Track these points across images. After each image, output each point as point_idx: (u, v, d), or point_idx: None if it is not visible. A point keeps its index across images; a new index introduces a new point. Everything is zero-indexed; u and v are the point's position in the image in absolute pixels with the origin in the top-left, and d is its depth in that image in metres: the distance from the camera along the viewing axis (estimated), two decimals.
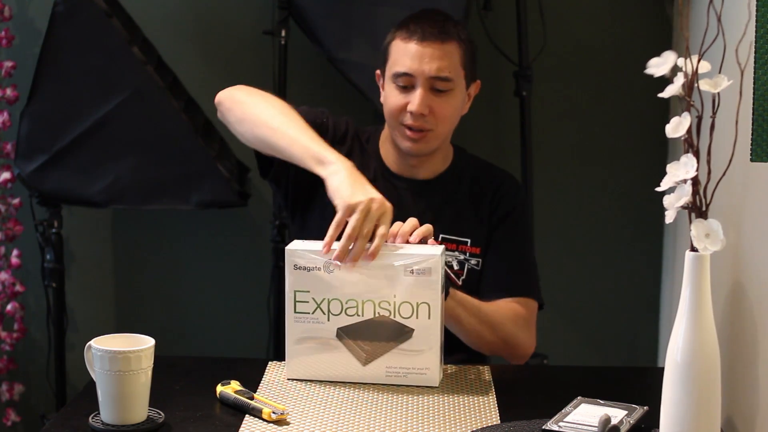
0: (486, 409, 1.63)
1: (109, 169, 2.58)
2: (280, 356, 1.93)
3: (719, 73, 1.34)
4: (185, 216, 2.85)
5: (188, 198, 2.61)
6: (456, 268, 2.00)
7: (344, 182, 1.73)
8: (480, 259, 2.01)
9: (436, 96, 1.94)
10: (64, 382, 2.75)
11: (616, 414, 1.50)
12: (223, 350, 2.87)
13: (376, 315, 1.68)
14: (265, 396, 1.63)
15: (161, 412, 1.54)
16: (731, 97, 1.38)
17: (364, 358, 1.70)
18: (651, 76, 1.38)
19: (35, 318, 2.85)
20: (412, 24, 1.94)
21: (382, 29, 2.56)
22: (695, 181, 1.32)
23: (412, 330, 1.68)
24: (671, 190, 1.35)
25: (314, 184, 1.89)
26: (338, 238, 1.69)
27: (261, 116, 1.93)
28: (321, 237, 1.71)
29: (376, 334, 1.69)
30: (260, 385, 1.71)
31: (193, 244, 2.89)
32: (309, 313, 1.70)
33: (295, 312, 1.70)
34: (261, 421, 1.54)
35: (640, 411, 1.53)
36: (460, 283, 1.99)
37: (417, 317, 1.68)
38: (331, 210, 1.74)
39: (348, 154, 1.85)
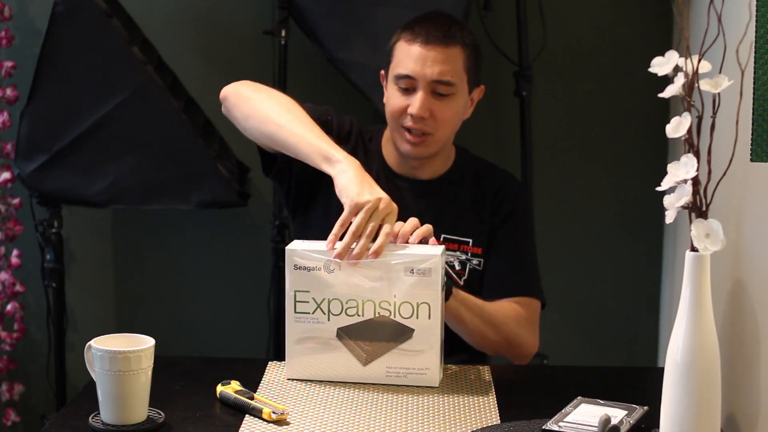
0: (486, 409, 1.63)
1: (109, 169, 2.58)
2: (280, 356, 1.92)
3: (720, 73, 1.34)
4: (185, 216, 2.85)
5: (188, 198, 2.61)
6: (458, 268, 2.00)
7: (352, 181, 1.73)
8: (482, 260, 2.01)
9: (437, 100, 1.93)
10: (64, 382, 2.75)
11: (616, 414, 1.50)
12: (223, 350, 2.87)
13: (377, 315, 1.68)
14: (265, 396, 1.63)
15: (161, 412, 1.54)
16: (731, 97, 1.38)
17: (364, 358, 1.70)
18: (651, 76, 1.38)
19: (35, 318, 2.85)
20: (417, 26, 1.94)
21: (382, 29, 2.57)
22: (695, 181, 1.32)
23: (412, 330, 1.68)
24: (671, 190, 1.35)
25: (317, 182, 1.89)
26: (342, 237, 1.70)
27: (267, 113, 1.92)
28: (323, 236, 1.71)
29: (377, 334, 1.69)
30: (260, 385, 1.71)
31: (193, 244, 2.89)
32: (309, 313, 1.70)
33: (295, 312, 1.70)
34: (261, 421, 1.54)
35: (640, 411, 1.53)
36: (461, 283, 1.99)
37: (417, 317, 1.68)
38: (335, 209, 1.74)
39: (351, 153, 1.85)
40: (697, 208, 1.33)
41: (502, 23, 2.74)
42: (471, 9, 2.63)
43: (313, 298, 1.69)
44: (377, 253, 1.67)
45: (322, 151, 1.81)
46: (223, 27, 2.80)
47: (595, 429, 1.43)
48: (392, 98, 1.96)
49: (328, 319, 1.70)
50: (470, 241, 2.01)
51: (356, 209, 1.69)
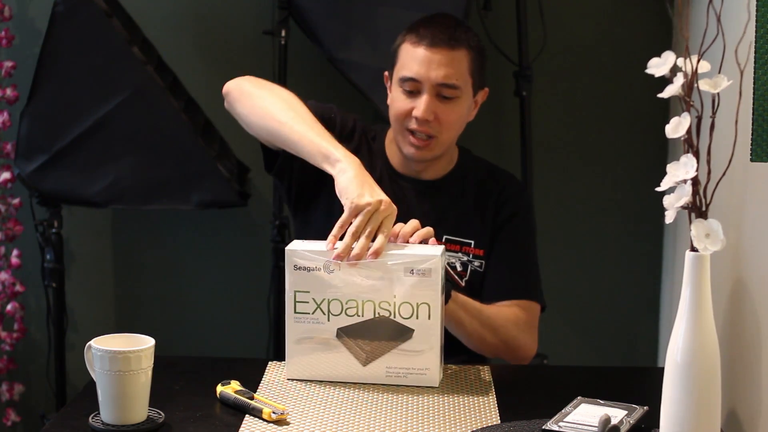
0: (486, 409, 1.63)
1: (109, 169, 2.58)
2: (280, 356, 1.93)
3: (719, 73, 1.34)
4: (185, 216, 2.85)
5: (188, 198, 2.61)
6: (459, 269, 2.00)
7: (353, 182, 1.73)
8: (483, 261, 2.01)
9: (442, 103, 1.93)
10: (64, 382, 2.75)
11: (616, 414, 1.50)
12: (223, 350, 2.87)
13: (376, 315, 1.68)
14: (265, 396, 1.63)
15: (161, 412, 1.54)
16: (731, 97, 1.38)
17: (364, 358, 1.70)
18: (651, 76, 1.38)
19: (35, 318, 2.85)
20: (423, 28, 1.93)
21: (382, 29, 2.57)
22: (695, 181, 1.32)
23: (412, 330, 1.68)
24: (671, 190, 1.35)
25: (319, 180, 1.89)
26: (341, 238, 1.70)
27: (269, 109, 1.91)
28: (325, 234, 1.71)
29: (376, 335, 1.69)
30: (260, 385, 1.71)
31: (193, 244, 2.89)
32: (309, 313, 1.70)
33: (295, 312, 1.70)
34: (261, 421, 1.54)
35: (640, 411, 1.53)
36: (463, 284, 1.99)
37: (417, 317, 1.68)
38: (337, 207, 1.74)
39: (355, 152, 1.85)
40: (697, 208, 1.33)
41: (502, 23, 2.74)
42: (471, 9, 2.63)
43: (313, 299, 1.69)
44: (377, 254, 1.67)
45: (323, 150, 1.81)
46: (223, 27, 2.80)
47: (595, 429, 1.43)
48: (397, 100, 1.96)
49: (328, 320, 1.70)
50: (472, 242, 2.01)
51: (356, 211, 1.69)
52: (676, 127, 1.33)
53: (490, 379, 1.77)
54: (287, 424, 1.54)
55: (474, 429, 1.54)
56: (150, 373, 1.52)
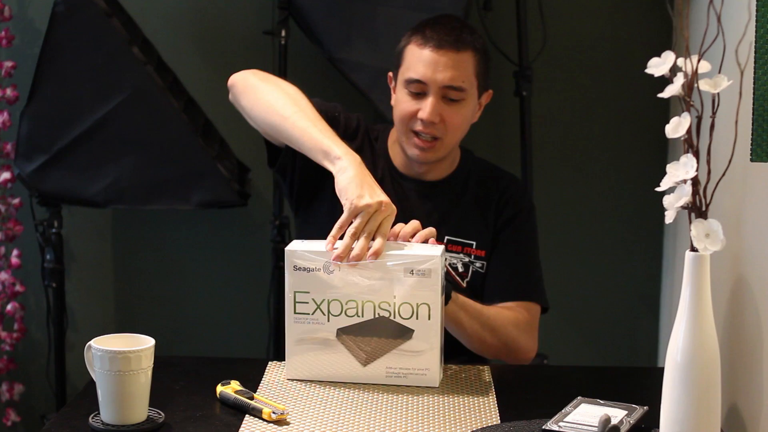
0: (486, 409, 1.63)
1: (109, 169, 2.58)
2: (280, 356, 1.92)
3: (719, 73, 1.34)
4: (185, 216, 2.85)
5: (188, 198, 2.61)
6: (461, 270, 2.00)
7: (352, 182, 1.72)
8: (485, 262, 2.01)
9: (448, 105, 1.93)
10: (64, 382, 2.75)
11: (616, 414, 1.50)
12: (223, 350, 2.87)
13: (376, 316, 1.68)
14: (265, 396, 1.63)
15: (161, 412, 1.54)
16: (731, 97, 1.38)
17: (364, 358, 1.70)
18: (651, 76, 1.38)
19: (35, 318, 2.85)
20: (428, 30, 1.93)
21: (382, 29, 2.57)
22: (695, 181, 1.32)
23: (412, 331, 1.68)
24: (671, 190, 1.35)
25: (321, 177, 1.88)
26: (341, 238, 1.70)
27: (273, 103, 1.91)
28: (326, 232, 1.71)
29: (376, 335, 1.69)
30: (260, 385, 1.71)
31: (193, 244, 2.89)
32: (309, 313, 1.70)
33: (294, 312, 1.70)
34: (261, 421, 1.54)
35: (640, 411, 1.53)
36: (464, 285, 1.99)
37: (417, 318, 1.68)
38: (339, 205, 1.73)
39: (357, 151, 1.84)
40: (697, 208, 1.33)
41: (502, 23, 2.74)
42: (471, 9, 2.63)
43: (313, 299, 1.69)
44: (376, 254, 1.67)
45: (323, 147, 1.80)
46: (223, 27, 2.80)
47: (595, 429, 1.43)
48: (402, 102, 1.96)
49: (328, 320, 1.70)
50: (474, 243, 2.01)
51: (355, 212, 1.69)
52: (676, 127, 1.33)
53: (490, 379, 1.77)
54: (287, 424, 1.54)
55: (474, 429, 1.54)
56: (150, 373, 1.52)
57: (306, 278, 1.69)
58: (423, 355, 1.69)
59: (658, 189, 1.36)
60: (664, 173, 1.34)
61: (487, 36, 2.69)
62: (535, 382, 1.85)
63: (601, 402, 1.57)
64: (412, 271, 1.67)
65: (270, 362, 1.82)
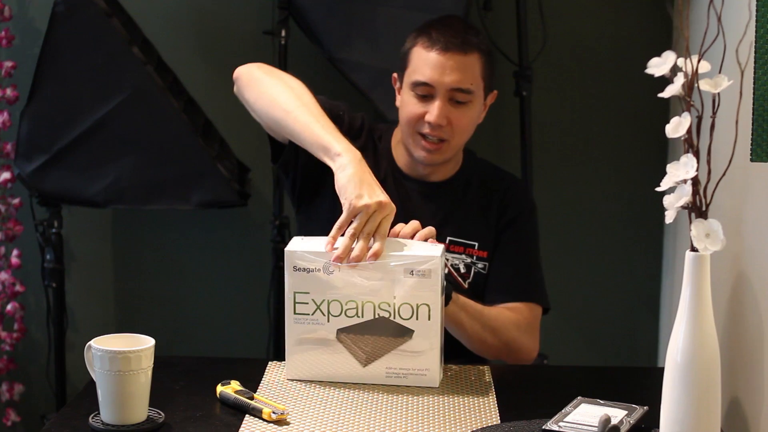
0: (486, 409, 1.63)
1: (109, 169, 2.58)
2: (280, 356, 1.92)
3: (719, 73, 1.34)
4: (185, 216, 2.85)
5: (188, 198, 2.61)
6: (463, 271, 2.00)
7: (351, 181, 1.71)
8: (487, 263, 2.01)
9: (455, 107, 1.93)
10: (64, 382, 2.75)
11: (616, 414, 1.50)
12: (223, 350, 2.87)
13: (376, 316, 1.68)
14: (265, 396, 1.63)
15: (161, 412, 1.54)
16: (731, 97, 1.38)
17: (364, 359, 1.70)
18: (651, 76, 1.38)
19: (35, 318, 2.85)
20: (434, 32, 1.92)
21: (382, 29, 2.57)
22: (695, 181, 1.32)
23: (412, 331, 1.68)
24: (671, 190, 1.35)
25: (323, 174, 1.87)
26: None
27: (276, 97, 1.90)
28: (328, 229, 1.70)
29: (376, 335, 1.69)
30: (260, 385, 1.71)
31: (193, 244, 2.89)
32: (309, 314, 1.70)
33: (294, 313, 1.70)
34: (261, 421, 1.54)
35: (640, 411, 1.53)
36: (466, 286, 1.99)
37: (417, 318, 1.68)
38: (340, 202, 1.73)
39: (361, 150, 1.83)
40: (697, 208, 1.33)
41: (502, 23, 2.74)
42: (471, 9, 2.63)
43: (313, 300, 1.69)
44: (376, 255, 1.67)
45: (323, 142, 1.79)
46: (223, 27, 2.80)
47: (595, 429, 1.43)
48: (408, 104, 1.95)
49: (328, 320, 1.69)
50: (476, 244, 2.00)
51: (354, 212, 1.69)
52: (676, 127, 1.33)
53: (490, 379, 1.77)
54: (287, 424, 1.54)
55: (474, 429, 1.54)
56: (150, 373, 1.52)
57: (306, 279, 1.69)
58: (423, 356, 1.69)
59: (658, 189, 1.36)
60: (664, 173, 1.34)
61: (487, 36, 2.69)
62: (535, 382, 1.85)
63: (601, 402, 1.57)
64: (412, 271, 1.67)
65: (270, 362, 1.82)
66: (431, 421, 1.57)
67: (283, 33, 2.64)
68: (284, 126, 1.88)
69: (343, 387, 1.70)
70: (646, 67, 1.37)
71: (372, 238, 1.68)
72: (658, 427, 1.39)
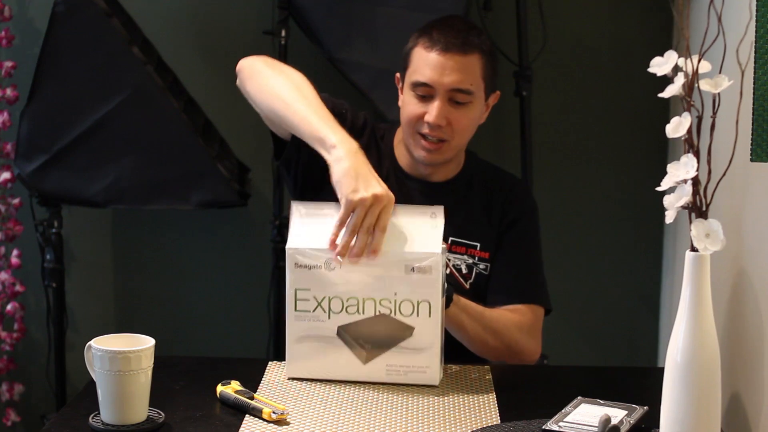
0: (486, 409, 1.63)
1: (109, 169, 2.58)
2: (280, 356, 1.92)
3: (720, 73, 1.34)
4: (185, 216, 2.85)
5: (188, 198, 2.61)
6: (464, 271, 1.99)
7: (346, 175, 1.71)
8: (488, 264, 2.01)
9: (455, 108, 1.92)
10: (64, 382, 2.75)
11: (616, 414, 1.50)
12: (223, 350, 2.87)
13: (377, 313, 1.68)
14: (265, 396, 1.63)
15: (161, 412, 1.54)
16: (732, 97, 1.38)
17: (365, 356, 1.70)
18: (651, 76, 1.38)
19: (35, 318, 2.85)
20: (435, 32, 1.92)
21: (382, 29, 2.57)
22: (695, 181, 1.32)
23: (413, 328, 1.68)
24: (671, 190, 1.35)
25: (324, 171, 1.86)
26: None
27: (276, 89, 1.89)
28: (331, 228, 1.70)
29: (377, 333, 1.69)
30: (260, 385, 1.71)
31: (193, 244, 2.89)
32: (310, 311, 1.70)
33: (295, 310, 1.70)
34: (261, 421, 1.54)
35: (640, 411, 1.53)
36: (467, 286, 1.99)
37: (418, 315, 1.68)
38: None
39: (364, 149, 1.83)
40: (697, 208, 1.33)
41: (502, 23, 2.74)
42: (471, 9, 2.63)
43: (314, 296, 1.69)
44: (375, 252, 1.67)
45: (319, 134, 1.78)
46: (223, 27, 2.80)
47: (595, 429, 1.43)
48: (409, 104, 1.95)
49: (329, 318, 1.70)
50: (478, 245, 2.00)
51: (351, 207, 1.68)
52: (677, 127, 1.33)
53: (491, 379, 1.77)
54: (287, 424, 1.54)
55: (474, 429, 1.54)
56: (150, 373, 1.52)
57: (307, 275, 1.69)
58: (423, 353, 1.69)
59: (658, 189, 1.36)
60: (664, 173, 1.34)
61: (487, 36, 2.69)
62: (535, 382, 1.85)
63: (601, 402, 1.57)
64: (413, 268, 1.67)
65: (270, 362, 1.82)
66: (431, 421, 1.57)
67: (283, 33, 2.64)
68: (283, 118, 1.87)
69: (343, 387, 1.70)
70: (646, 67, 1.37)
71: (373, 232, 1.68)
72: (658, 427, 1.39)
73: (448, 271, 1.95)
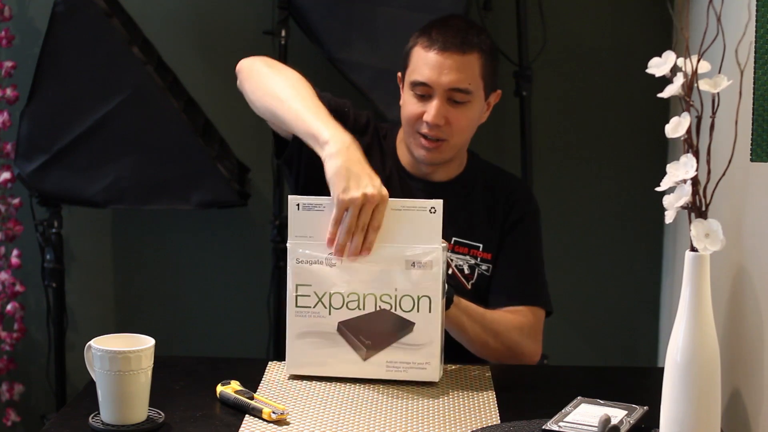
0: (486, 408, 1.63)
1: (109, 169, 2.58)
2: (280, 356, 1.93)
3: (719, 73, 1.34)
4: (185, 216, 2.85)
5: (188, 198, 2.61)
6: (467, 272, 1.99)
7: (337, 173, 1.70)
8: (490, 265, 2.01)
9: (453, 107, 1.92)
10: (64, 382, 2.75)
11: (616, 414, 1.50)
12: (223, 350, 2.87)
13: (378, 308, 1.69)
14: (265, 396, 1.63)
15: (161, 412, 1.54)
16: (731, 97, 1.38)
17: (365, 352, 1.70)
18: (651, 76, 1.38)
19: (35, 318, 2.85)
20: (435, 32, 1.92)
21: (382, 29, 2.57)
22: (695, 181, 1.32)
23: (413, 324, 1.68)
24: (671, 190, 1.35)
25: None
26: None
27: (273, 87, 1.89)
28: None
29: (377, 328, 1.69)
30: (260, 385, 1.71)
31: (193, 244, 2.89)
32: (310, 307, 1.70)
33: (296, 306, 1.70)
34: (261, 421, 1.54)
35: (640, 411, 1.53)
36: (469, 287, 1.99)
37: (418, 311, 1.68)
38: None
39: (366, 149, 1.82)
40: (697, 208, 1.33)
41: (502, 23, 2.74)
42: (471, 9, 2.63)
43: (315, 292, 1.69)
44: (369, 249, 1.67)
45: (312, 130, 1.77)
46: (223, 27, 2.80)
47: (595, 429, 1.43)
48: (408, 104, 1.95)
49: (329, 313, 1.70)
50: (481, 246, 2.00)
51: (343, 207, 1.68)
52: (676, 127, 1.33)
53: (490, 378, 1.77)
54: (287, 424, 1.54)
55: (474, 429, 1.54)
56: (150, 373, 1.52)
57: (308, 272, 1.69)
58: (424, 349, 1.69)
59: (658, 189, 1.36)
60: (664, 173, 1.34)
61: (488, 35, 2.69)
62: (535, 382, 1.85)
63: (601, 402, 1.57)
64: (414, 263, 1.67)
65: (270, 362, 1.82)
66: (431, 420, 1.57)
67: (283, 33, 2.64)
68: (279, 116, 1.87)
69: (343, 386, 1.70)
70: (645, 67, 1.37)
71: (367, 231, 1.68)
72: (658, 427, 1.39)
73: (450, 272, 1.95)
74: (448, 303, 1.77)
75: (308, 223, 1.71)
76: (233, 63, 2.05)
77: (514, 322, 1.94)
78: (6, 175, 2.68)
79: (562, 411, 1.54)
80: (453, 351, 1.82)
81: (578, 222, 2.87)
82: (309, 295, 1.70)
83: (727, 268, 1.80)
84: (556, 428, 1.48)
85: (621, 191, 2.85)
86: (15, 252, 2.74)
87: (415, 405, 1.63)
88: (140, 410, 1.52)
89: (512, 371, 1.92)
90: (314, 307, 1.70)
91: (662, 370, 1.38)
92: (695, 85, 1.33)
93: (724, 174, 1.36)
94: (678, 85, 1.34)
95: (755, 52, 1.43)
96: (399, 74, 2.02)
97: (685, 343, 1.35)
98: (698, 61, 1.32)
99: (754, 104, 1.44)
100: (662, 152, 2.78)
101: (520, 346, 1.94)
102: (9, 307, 2.73)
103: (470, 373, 1.80)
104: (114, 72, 2.55)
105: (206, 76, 2.78)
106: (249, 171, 2.74)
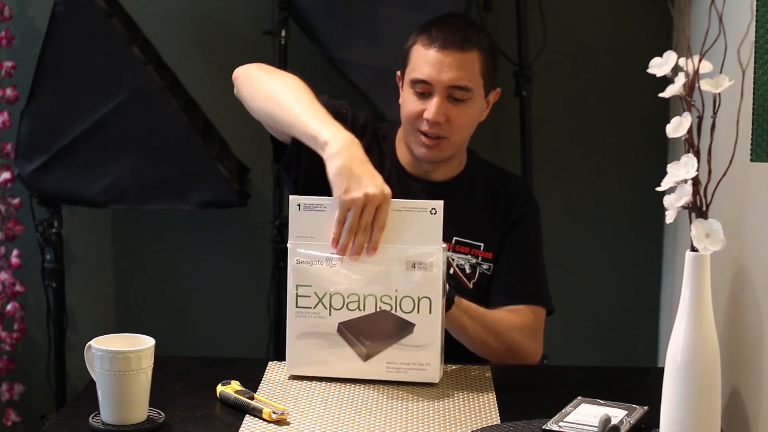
0: (486, 408, 1.63)
1: (109, 169, 2.58)
2: (280, 356, 1.92)
3: (720, 73, 1.34)
4: (185, 216, 2.85)
5: (188, 198, 2.61)
6: (468, 271, 1.99)
7: (339, 174, 1.71)
8: (491, 264, 2.00)
9: (453, 105, 1.92)
10: (64, 382, 2.75)
11: (616, 414, 1.50)
12: (223, 350, 2.87)
13: (378, 309, 1.68)
14: (265, 396, 1.63)
15: (161, 412, 1.54)
16: (732, 97, 1.38)
17: (365, 353, 1.70)
18: (651, 76, 1.38)
19: (35, 318, 2.85)
20: (434, 30, 1.92)
21: (382, 29, 2.57)
22: (695, 181, 1.32)
23: (413, 325, 1.68)
24: (671, 190, 1.35)
25: (325, 172, 1.86)
26: None
27: (271, 92, 1.90)
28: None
29: (378, 329, 1.69)
30: (260, 385, 1.71)
31: (193, 244, 2.89)
32: (310, 307, 1.70)
33: (296, 307, 1.70)
34: (261, 421, 1.54)
35: (640, 411, 1.53)
36: (470, 286, 1.99)
37: (418, 312, 1.68)
38: None
39: (366, 150, 1.83)
40: (697, 208, 1.33)
41: (502, 23, 2.74)
42: (471, 9, 2.63)
43: (315, 293, 1.69)
44: (374, 249, 1.67)
45: (312, 131, 1.78)
46: (223, 27, 2.80)
47: (595, 429, 1.43)
48: (408, 102, 1.95)
49: (330, 314, 1.70)
50: (482, 245, 2.00)
51: (346, 207, 1.68)
52: (677, 127, 1.33)
53: (490, 378, 1.77)
54: (287, 424, 1.54)
55: (474, 429, 1.54)
56: (150, 373, 1.52)
57: (308, 272, 1.69)
58: (424, 350, 1.69)
59: (658, 189, 1.36)
60: (664, 173, 1.34)
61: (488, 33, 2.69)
62: (535, 382, 1.85)
63: (601, 402, 1.57)
64: (414, 264, 1.67)
65: (270, 362, 1.82)
66: (431, 420, 1.57)
67: (283, 33, 2.64)
68: (278, 120, 1.87)
69: (343, 387, 1.70)
70: (646, 67, 1.37)
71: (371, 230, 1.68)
72: (658, 427, 1.39)
73: (451, 271, 1.95)
74: (449, 303, 1.77)
75: (309, 223, 1.71)
76: (233, 63, 2.05)
77: (515, 322, 1.94)
78: (6, 175, 2.68)
79: (562, 411, 1.54)
80: (453, 351, 1.82)
81: (578, 222, 2.87)
82: (309, 296, 1.70)
83: (727, 268, 1.80)
84: (556, 428, 1.48)
85: (621, 191, 2.85)
86: (15, 252, 2.74)
87: (415, 405, 1.63)
88: (140, 410, 1.52)
89: (512, 371, 1.92)
90: (314, 307, 1.70)
91: (662, 370, 1.38)
92: (696, 85, 1.33)
93: (724, 174, 1.36)
94: (679, 85, 1.33)
95: (755, 53, 1.43)
96: (398, 73, 2.02)
97: (686, 343, 1.35)
98: (700, 61, 1.32)
99: (754, 104, 1.44)
100: (662, 152, 2.78)
101: (521, 346, 1.94)
102: (9, 307, 2.73)
103: (470, 373, 1.80)
104: (114, 72, 2.55)
105: (206, 76, 2.78)
106: (249, 171, 2.74)
